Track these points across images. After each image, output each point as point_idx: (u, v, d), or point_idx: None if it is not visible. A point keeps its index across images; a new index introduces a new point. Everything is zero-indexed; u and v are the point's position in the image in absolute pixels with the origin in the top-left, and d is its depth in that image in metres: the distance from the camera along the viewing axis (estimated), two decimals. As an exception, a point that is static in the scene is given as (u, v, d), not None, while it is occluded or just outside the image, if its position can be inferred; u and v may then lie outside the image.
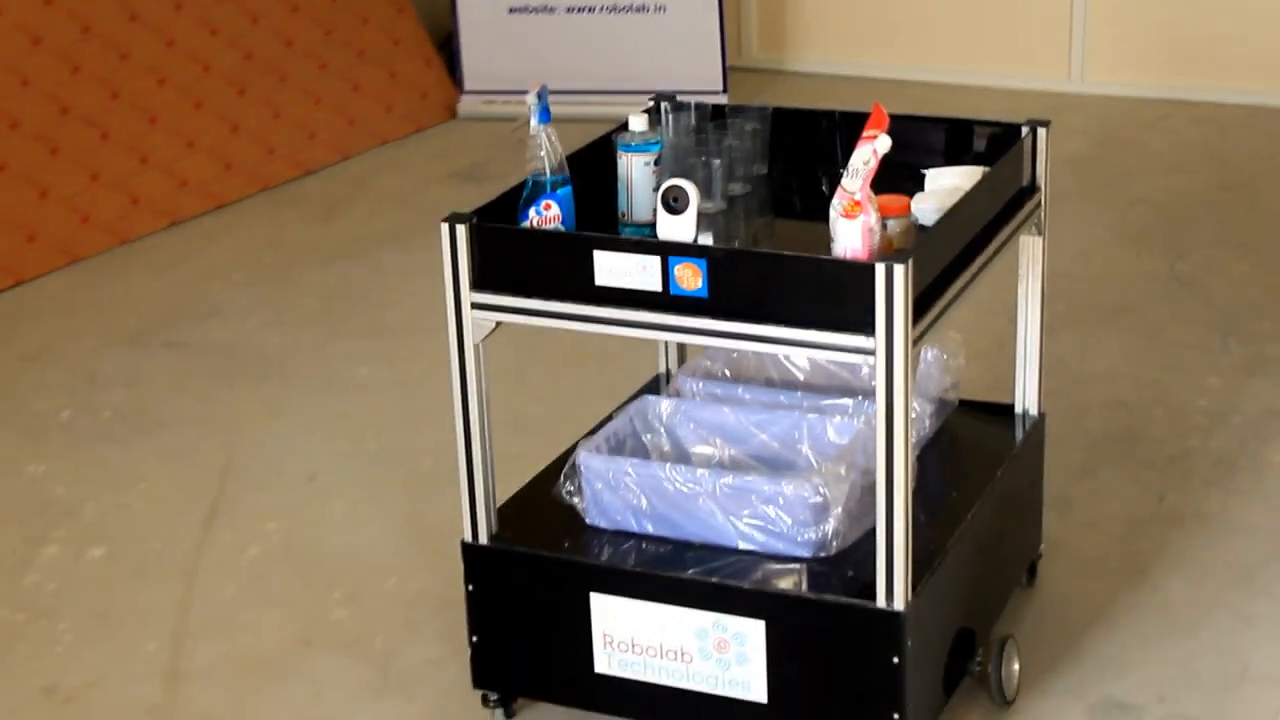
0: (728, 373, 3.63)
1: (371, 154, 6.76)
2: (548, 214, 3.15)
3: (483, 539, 3.26)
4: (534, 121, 3.22)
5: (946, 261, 3.07)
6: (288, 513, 4.20)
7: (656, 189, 3.11)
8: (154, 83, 6.24)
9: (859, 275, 2.81)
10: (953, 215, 3.09)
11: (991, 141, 3.48)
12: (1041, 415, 3.66)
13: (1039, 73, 7.33)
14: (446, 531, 4.04)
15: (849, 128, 3.44)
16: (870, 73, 7.41)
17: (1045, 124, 3.46)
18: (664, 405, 3.44)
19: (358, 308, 5.36)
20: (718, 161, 3.26)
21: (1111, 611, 3.67)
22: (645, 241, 3.05)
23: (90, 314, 5.38)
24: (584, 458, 3.27)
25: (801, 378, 3.60)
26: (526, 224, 3.14)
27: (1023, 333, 3.58)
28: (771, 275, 2.90)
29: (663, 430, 3.42)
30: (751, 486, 3.14)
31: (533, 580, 3.25)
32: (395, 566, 3.94)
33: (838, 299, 2.85)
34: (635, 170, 3.26)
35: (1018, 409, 3.65)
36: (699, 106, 3.45)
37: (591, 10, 7.09)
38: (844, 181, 2.91)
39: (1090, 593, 3.72)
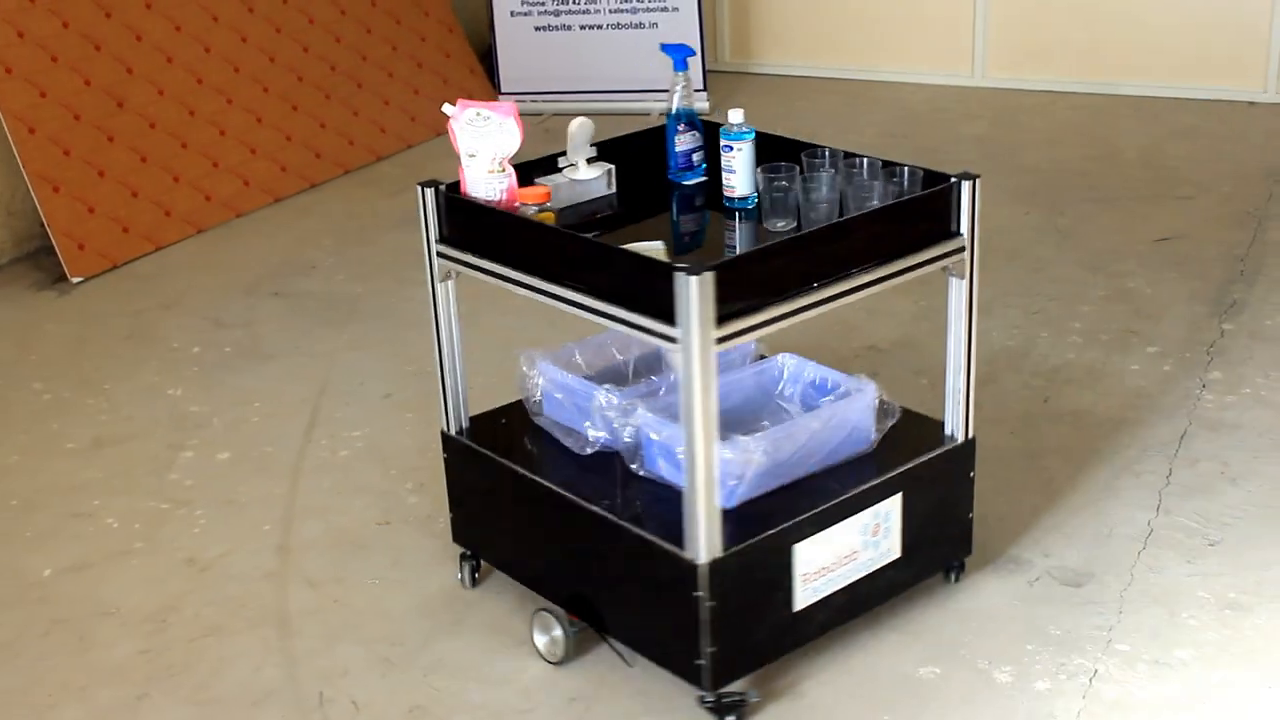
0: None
1: (429, 143, 6.73)
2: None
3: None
4: (674, 70, 3.22)
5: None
6: (370, 422, 4.21)
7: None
8: (259, 90, 6.21)
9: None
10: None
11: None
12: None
13: (950, 70, 7.29)
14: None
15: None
16: (820, 73, 7.37)
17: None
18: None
19: (419, 262, 5.30)
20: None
21: (1008, 488, 3.68)
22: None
23: (214, 271, 5.37)
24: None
25: None
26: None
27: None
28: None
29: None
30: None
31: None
32: (454, 462, 3.95)
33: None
34: (734, 155, 3.11)
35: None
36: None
37: (600, 28, 7.05)
38: None
39: (992, 475, 3.73)
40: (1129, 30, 6.97)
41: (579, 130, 3.30)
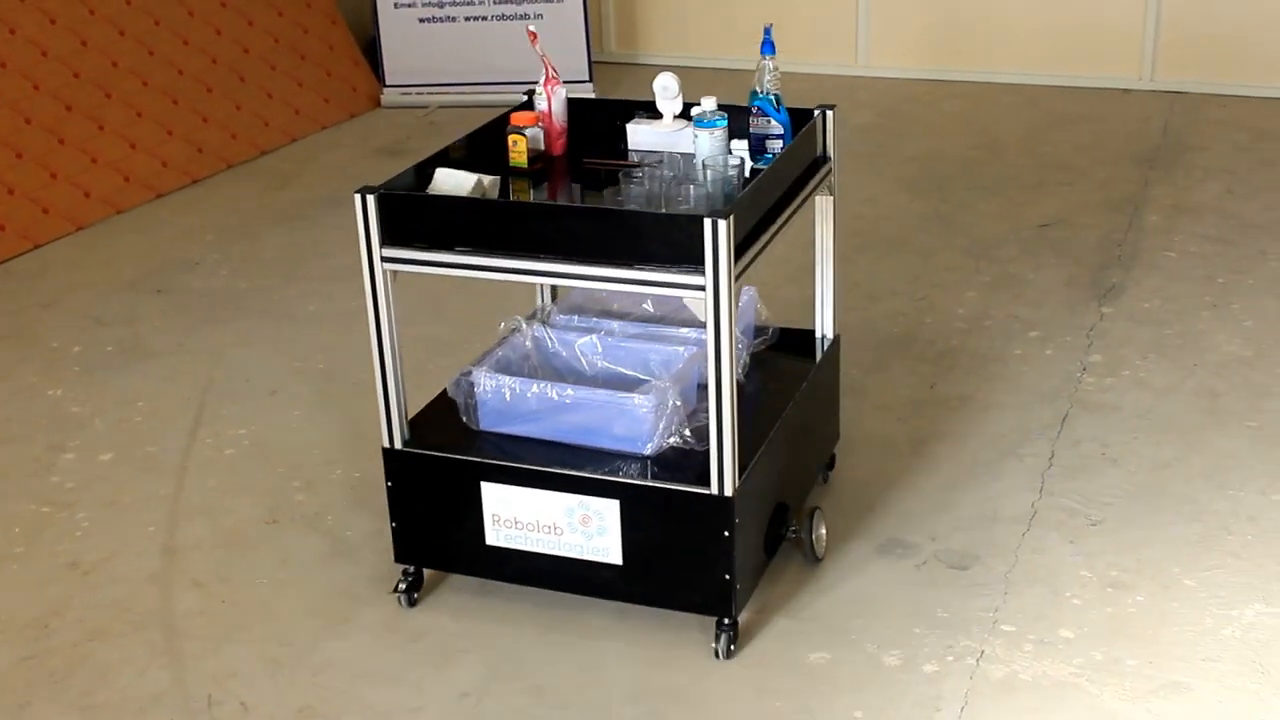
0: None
1: (313, 137, 6.66)
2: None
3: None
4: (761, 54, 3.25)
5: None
6: (256, 420, 4.15)
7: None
8: (139, 84, 6.10)
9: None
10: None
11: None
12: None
13: (833, 60, 7.34)
14: (380, 432, 4.03)
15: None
16: (706, 63, 7.37)
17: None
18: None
19: (305, 257, 5.29)
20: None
21: (896, 473, 3.71)
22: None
23: (94, 269, 5.27)
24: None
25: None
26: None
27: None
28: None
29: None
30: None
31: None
32: (340, 459, 3.90)
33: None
34: (705, 140, 3.16)
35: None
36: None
37: (484, 19, 7.01)
38: None
39: (880, 459, 3.77)
40: (1009, 20, 7.07)
41: (670, 83, 3.33)
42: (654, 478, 3.02)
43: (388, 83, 7.11)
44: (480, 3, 6.99)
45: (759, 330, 3.49)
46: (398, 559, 3.28)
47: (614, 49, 7.71)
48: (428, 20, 7.04)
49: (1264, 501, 3.53)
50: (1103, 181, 5.70)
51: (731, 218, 2.77)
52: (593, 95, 6.71)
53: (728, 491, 2.94)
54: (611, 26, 7.75)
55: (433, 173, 3.16)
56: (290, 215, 5.69)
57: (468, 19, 7.01)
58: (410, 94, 7.08)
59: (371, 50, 7.21)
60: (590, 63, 6.95)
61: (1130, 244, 5.07)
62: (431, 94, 7.05)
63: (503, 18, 6.99)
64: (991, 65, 7.11)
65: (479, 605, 3.26)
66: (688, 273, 2.80)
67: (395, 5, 7.03)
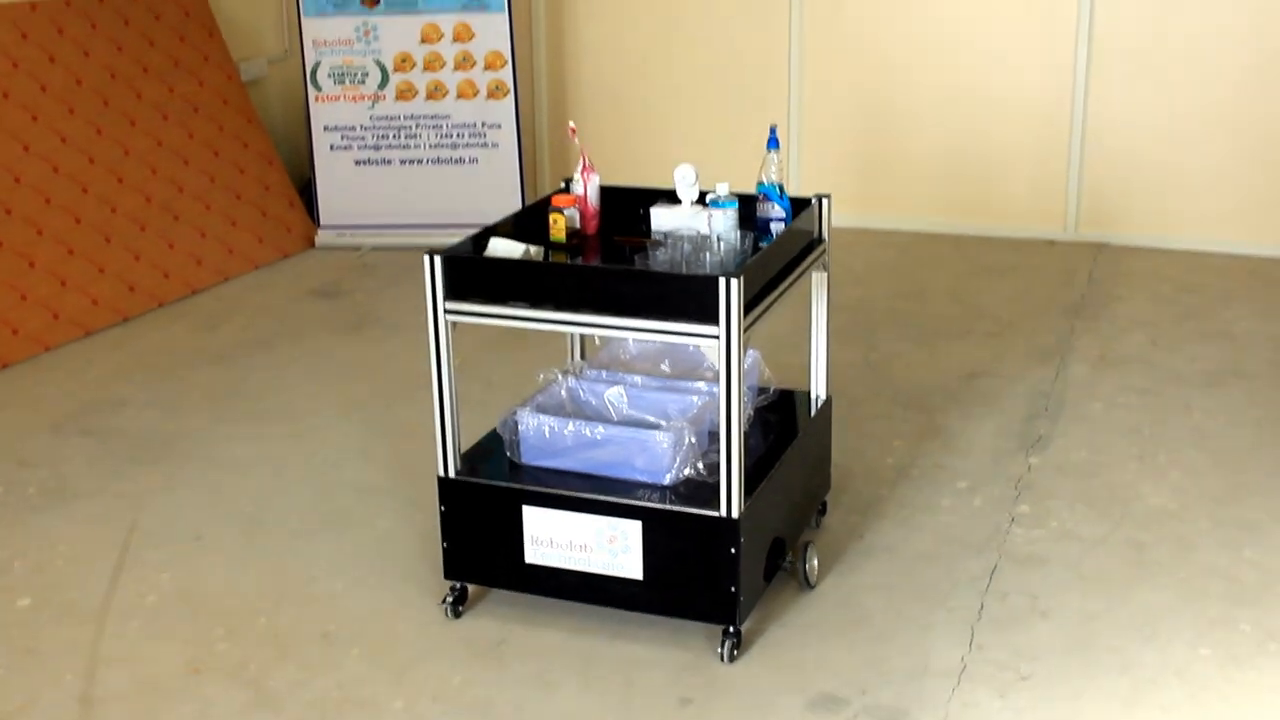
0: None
1: (247, 276, 6.66)
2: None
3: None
4: (766, 149, 3.80)
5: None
6: (180, 565, 4.08)
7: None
8: (71, 221, 6.08)
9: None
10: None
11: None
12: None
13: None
14: (305, 577, 3.98)
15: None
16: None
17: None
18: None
19: (234, 399, 5.25)
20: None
21: (825, 624, 3.69)
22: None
23: (19, 408, 5.20)
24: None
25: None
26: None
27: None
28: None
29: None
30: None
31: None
32: (265, 607, 3.84)
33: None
34: (719, 218, 3.71)
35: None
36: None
37: (420, 162, 7.07)
38: None
39: (810, 610, 3.75)
40: (935, 169, 7.21)
41: (688, 172, 3.82)
42: (672, 503, 3.51)
43: (322, 224, 7.13)
44: (416, 146, 7.05)
45: (761, 390, 3.97)
46: (447, 576, 3.73)
47: (548, 191, 7.77)
48: (363, 163, 7.08)
49: (1192, 655, 3.54)
50: (1029, 332, 5.78)
51: (742, 278, 3.28)
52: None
53: (735, 514, 3.43)
54: (546, 170, 7.83)
55: (487, 242, 3.68)
56: (221, 356, 5.66)
57: (403, 162, 7.07)
58: (344, 235, 7.10)
59: (307, 191, 7.24)
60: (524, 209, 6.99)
61: (1057, 394, 5.13)
62: (365, 236, 7.08)
63: (438, 161, 7.05)
64: (919, 213, 7.23)
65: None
66: (705, 324, 3.31)
67: (332, 147, 7.08)
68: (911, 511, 4.29)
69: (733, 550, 3.44)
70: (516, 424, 3.68)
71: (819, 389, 4.08)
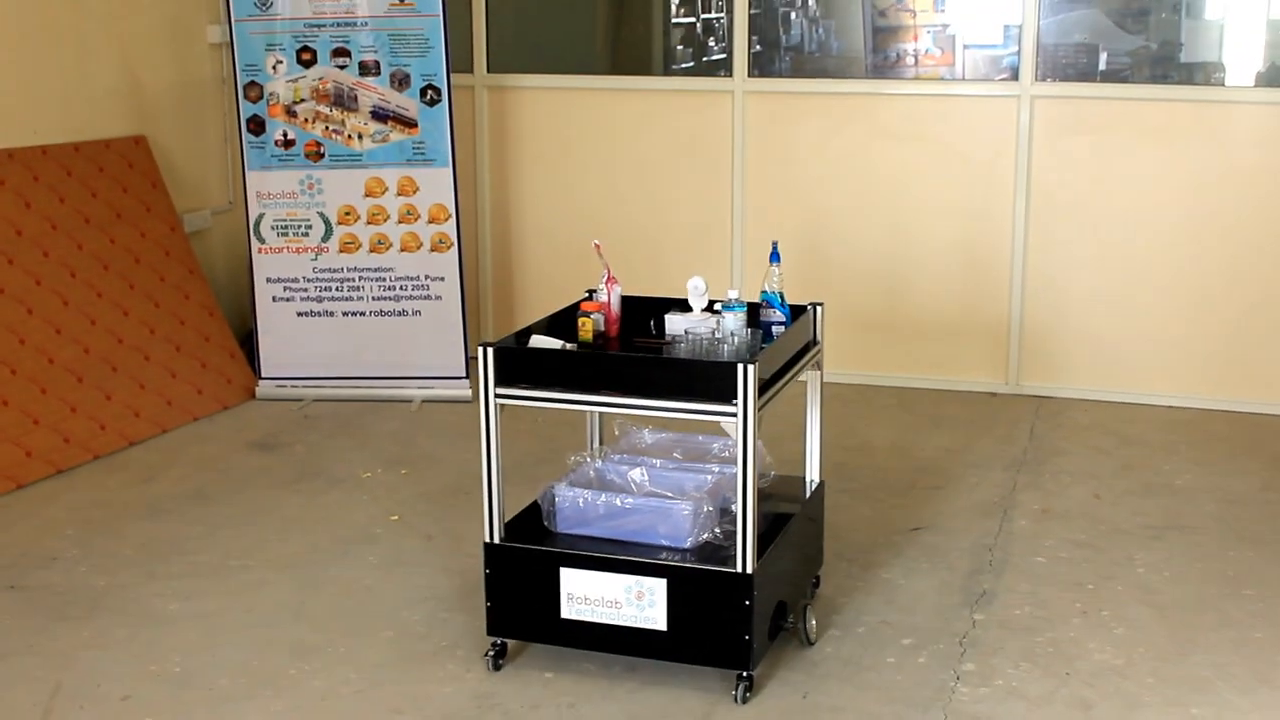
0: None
1: (185, 428, 6.58)
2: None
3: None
4: (769, 262, 4.43)
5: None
6: (105, 728, 3.97)
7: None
8: (7, 372, 6.02)
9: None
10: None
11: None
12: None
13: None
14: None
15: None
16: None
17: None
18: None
19: (167, 554, 5.15)
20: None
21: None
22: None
23: (-54, 563, 5.09)
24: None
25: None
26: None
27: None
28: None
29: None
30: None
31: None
32: (194, 771, 3.73)
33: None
34: (730, 319, 4.26)
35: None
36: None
37: (362, 314, 7.05)
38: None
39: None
40: (878, 321, 7.25)
41: (699, 283, 4.37)
42: (693, 562, 3.99)
43: (264, 375, 7.08)
44: (359, 298, 7.04)
45: (762, 475, 4.25)
46: (490, 632, 4.18)
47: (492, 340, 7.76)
48: (306, 314, 7.06)
49: (1140, 818, 3.48)
50: (972, 485, 5.77)
51: (756, 364, 3.83)
52: (469, 395, 6.71)
53: (749, 569, 3.91)
54: (490, 321, 7.83)
55: (529, 338, 4.21)
56: (156, 510, 5.56)
57: (346, 314, 7.05)
58: (285, 387, 7.05)
59: (248, 342, 7.20)
60: (466, 360, 6.99)
61: (1001, 548, 5.11)
62: (307, 388, 7.02)
63: (380, 313, 7.03)
64: (861, 367, 7.26)
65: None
66: (725, 404, 3.83)
67: (274, 299, 7.05)
68: (856, 669, 4.23)
69: (747, 602, 3.90)
70: (554, 496, 4.15)
71: (813, 473, 4.62)
